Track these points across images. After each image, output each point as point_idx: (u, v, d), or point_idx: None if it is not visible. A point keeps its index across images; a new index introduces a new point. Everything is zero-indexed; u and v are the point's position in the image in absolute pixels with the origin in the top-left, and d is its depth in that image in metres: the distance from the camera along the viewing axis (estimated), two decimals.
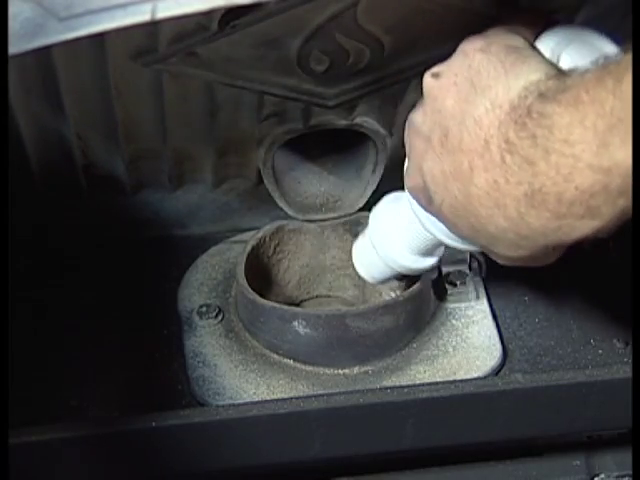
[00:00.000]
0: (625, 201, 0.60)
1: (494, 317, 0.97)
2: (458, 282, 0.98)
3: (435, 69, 0.74)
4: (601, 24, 0.86)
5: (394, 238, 0.86)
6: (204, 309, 0.96)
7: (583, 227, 0.62)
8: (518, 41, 0.72)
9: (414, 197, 0.78)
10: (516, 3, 0.83)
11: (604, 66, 0.60)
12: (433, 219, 0.77)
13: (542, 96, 0.63)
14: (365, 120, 0.94)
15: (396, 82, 0.90)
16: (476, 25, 0.84)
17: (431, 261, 0.88)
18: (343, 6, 0.79)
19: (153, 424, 0.80)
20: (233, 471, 0.87)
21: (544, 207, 0.62)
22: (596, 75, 0.60)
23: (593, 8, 0.85)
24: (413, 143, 0.74)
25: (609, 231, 0.63)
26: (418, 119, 0.74)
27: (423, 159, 0.72)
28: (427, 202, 0.74)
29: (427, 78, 0.74)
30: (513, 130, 0.63)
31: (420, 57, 0.87)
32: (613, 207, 0.60)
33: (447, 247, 0.83)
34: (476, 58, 0.70)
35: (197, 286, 1.00)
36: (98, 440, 0.81)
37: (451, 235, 0.78)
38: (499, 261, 0.73)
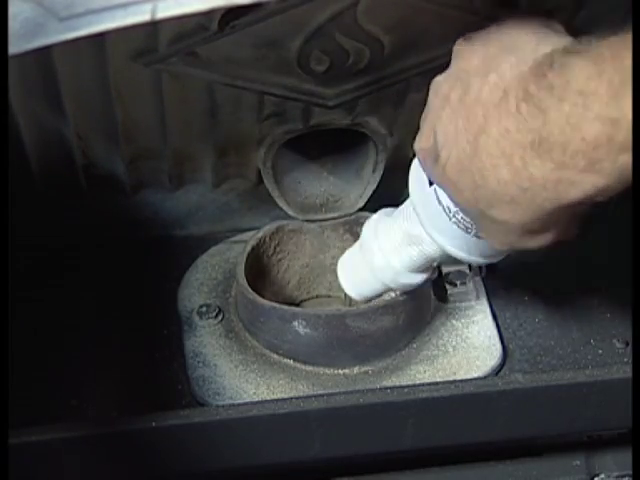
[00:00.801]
0: (626, 158, 0.61)
1: (494, 317, 0.97)
2: (458, 282, 0.98)
3: (468, 34, 0.75)
4: (601, 24, 0.87)
5: (390, 254, 0.86)
6: (204, 309, 0.96)
7: (583, 183, 0.63)
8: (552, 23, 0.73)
9: (421, 161, 0.77)
10: (516, 3, 0.83)
11: (628, 31, 0.61)
12: (434, 218, 0.78)
13: (566, 50, 0.65)
14: (365, 120, 0.94)
15: (396, 82, 0.89)
16: (476, 25, 0.84)
17: (424, 276, 0.88)
18: (343, 6, 0.79)
19: (153, 424, 0.80)
20: (233, 471, 0.87)
21: (548, 156, 0.63)
22: (620, 36, 0.61)
23: (593, 8, 0.85)
24: (432, 103, 0.75)
25: (607, 194, 0.64)
26: (441, 79, 0.75)
27: (438, 117, 0.73)
28: (433, 163, 0.74)
29: (459, 42, 0.75)
30: (533, 82, 0.64)
31: (420, 57, 0.87)
32: (614, 163, 0.62)
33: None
34: (509, 24, 0.72)
35: (197, 286, 1.00)
36: (98, 440, 0.81)
37: (453, 242, 0.78)
38: (494, 240, 0.74)
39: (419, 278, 0.88)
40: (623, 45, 0.60)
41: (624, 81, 0.60)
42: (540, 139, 0.64)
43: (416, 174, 0.82)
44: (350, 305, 0.99)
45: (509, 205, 0.68)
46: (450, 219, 0.79)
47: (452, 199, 0.75)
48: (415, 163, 0.82)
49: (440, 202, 0.79)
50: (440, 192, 0.78)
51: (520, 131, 0.65)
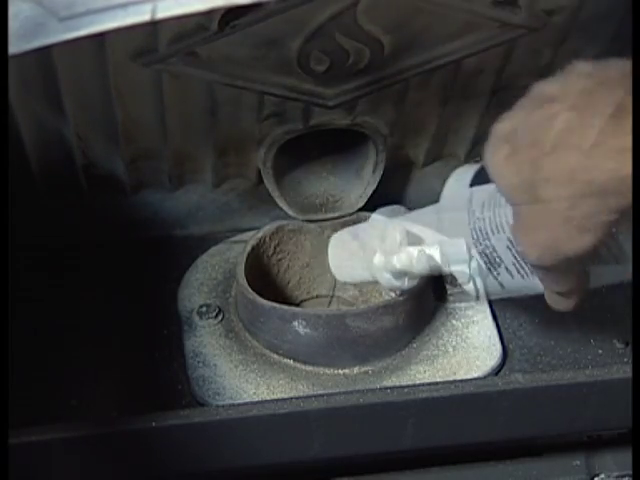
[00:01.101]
0: None
1: (494, 317, 0.97)
2: (458, 282, 0.98)
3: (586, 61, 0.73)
4: (601, 24, 0.87)
5: (390, 258, 0.86)
6: (204, 309, 0.96)
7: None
8: None
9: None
10: (515, 3, 0.83)
11: None
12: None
13: None
14: (365, 120, 0.94)
15: (396, 82, 0.90)
16: (476, 25, 0.84)
17: (414, 282, 0.89)
18: (343, 6, 0.79)
19: (153, 424, 0.80)
20: (233, 471, 0.87)
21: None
22: None
23: (593, 8, 0.85)
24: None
25: None
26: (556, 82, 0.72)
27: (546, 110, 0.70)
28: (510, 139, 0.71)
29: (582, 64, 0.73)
30: None
31: (420, 57, 0.87)
32: None
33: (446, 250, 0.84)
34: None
35: (197, 286, 1.00)
36: (98, 440, 0.81)
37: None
38: (537, 239, 0.72)
39: (410, 283, 0.88)
40: None
41: None
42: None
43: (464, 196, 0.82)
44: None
45: (607, 197, 0.67)
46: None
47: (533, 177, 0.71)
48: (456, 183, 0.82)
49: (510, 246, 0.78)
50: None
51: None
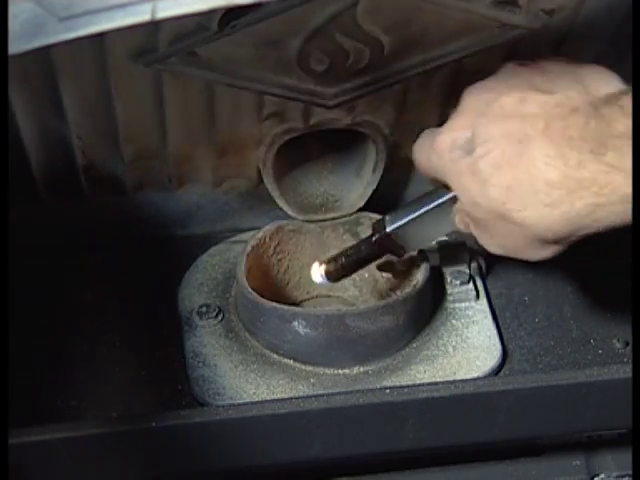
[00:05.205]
0: None
1: (494, 317, 0.97)
2: (458, 282, 0.98)
3: (523, 62, 0.80)
4: (601, 24, 0.87)
5: None
6: (204, 309, 0.96)
7: (624, 186, 0.68)
8: None
9: (440, 149, 0.79)
10: (515, 3, 0.83)
11: None
12: None
13: None
14: (365, 120, 0.94)
15: (396, 82, 0.90)
16: (476, 25, 0.84)
17: None
18: (343, 6, 0.79)
19: (153, 424, 0.80)
20: (233, 471, 0.87)
21: (603, 160, 0.68)
22: None
23: (593, 8, 0.85)
24: (471, 101, 0.79)
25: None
26: (484, 85, 0.79)
27: (482, 114, 0.76)
28: (461, 154, 0.77)
29: (510, 64, 0.80)
30: (604, 104, 0.70)
31: (420, 57, 0.87)
32: None
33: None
34: (570, 60, 0.79)
35: (197, 286, 1.00)
36: (98, 440, 0.81)
37: None
38: (494, 243, 0.78)
39: None
40: None
41: None
42: (600, 144, 0.68)
43: None
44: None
45: (546, 208, 0.71)
46: None
47: (467, 195, 0.76)
48: None
49: None
50: None
51: (584, 139, 0.69)
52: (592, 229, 0.72)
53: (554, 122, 0.71)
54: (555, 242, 0.74)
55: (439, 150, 0.79)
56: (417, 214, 0.85)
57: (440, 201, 0.83)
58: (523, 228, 0.73)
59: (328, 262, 0.92)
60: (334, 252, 0.96)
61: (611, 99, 0.71)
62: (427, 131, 0.83)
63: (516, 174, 0.72)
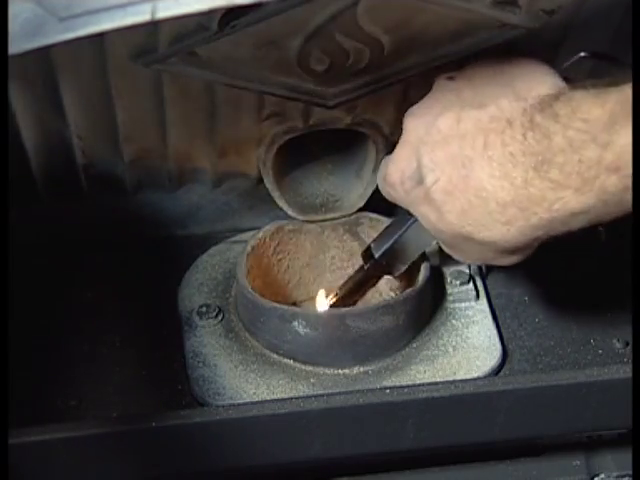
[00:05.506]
0: (614, 179, 0.66)
1: (494, 317, 0.97)
2: (458, 282, 0.98)
3: (451, 73, 0.81)
4: (601, 24, 0.87)
5: None
6: (204, 309, 0.96)
7: (576, 202, 0.69)
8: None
9: (393, 185, 0.82)
10: (515, 3, 0.83)
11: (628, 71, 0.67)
12: None
13: (572, 85, 0.72)
14: (365, 120, 0.94)
15: (396, 82, 0.90)
16: (476, 25, 0.84)
17: None
18: (343, 6, 0.79)
19: (153, 424, 0.80)
20: (233, 471, 0.87)
21: (548, 177, 0.68)
22: (623, 74, 0.67)
23: (593, 8, 0.85)
24: (412, 128, 0.80)
25: (602, 216, 0.70)
26: (421, 107, 0.80)
27: (423, 143, 0.77)
28: (413, 185, 0.78)
29: (441, 79, 0.81)
30: (538, 113, 0.70)
31: (420, 57, 0.87)
32: (603, 183, 0.67)
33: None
34: (499, 60, 0.79)
35: (197, 286, 1.00)
36: (98, 440, 0.81)
37: None
38: (465, 257, 0.81)
39: None
40: (625, 81, 0.65)
41: (624, 111, 0.65)
42: (543, 161, 0.68)
43: None
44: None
45: (504, 226, 0.73)
46: None
47: (428, 222, 0.79)
48: None
49: None
50: None
51: (525, 154, 0.70)
52: (557, 232, 0.73)
53: (492, 138, 0.72)
54: (524, 248, 0.76)
55: (391, 183, 0.82)
56: (398, 234, 0.90)
57: (415, 219, 0.85)
58: (488, 245, 0.76)
59: (333, 295, 0.97)
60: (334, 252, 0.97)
61: (545, 106, 0.71)
62: (383, 161, 0.87)
63: (467, 198, 0.74)
